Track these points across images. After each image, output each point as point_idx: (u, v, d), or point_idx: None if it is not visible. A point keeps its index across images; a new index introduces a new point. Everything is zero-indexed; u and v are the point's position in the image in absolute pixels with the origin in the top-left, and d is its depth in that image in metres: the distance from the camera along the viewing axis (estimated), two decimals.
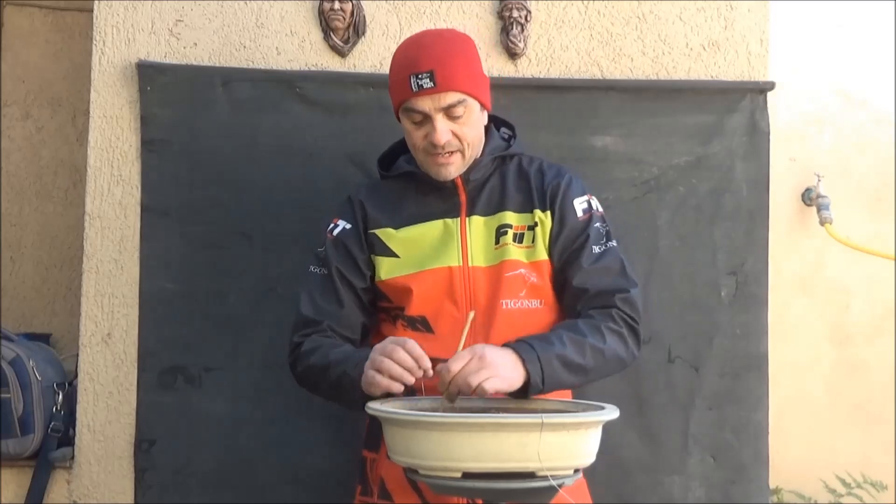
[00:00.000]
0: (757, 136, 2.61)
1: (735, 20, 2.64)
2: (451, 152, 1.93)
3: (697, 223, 2.59)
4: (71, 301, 3.03)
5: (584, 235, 1.99)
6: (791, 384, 2.98)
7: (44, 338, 2.88)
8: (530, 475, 1.61)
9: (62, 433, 2.56)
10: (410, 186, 2.04)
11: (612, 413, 1.69)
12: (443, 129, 1.90)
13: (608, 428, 1.72)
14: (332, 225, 2.06)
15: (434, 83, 1.88)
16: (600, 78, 2.61)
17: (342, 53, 2.58)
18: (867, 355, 3.08)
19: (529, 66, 2.61)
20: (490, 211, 2.00)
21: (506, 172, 2.04)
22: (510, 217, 1.99)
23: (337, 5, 2.53)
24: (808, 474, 2.94)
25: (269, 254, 2.51)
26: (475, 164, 1.99)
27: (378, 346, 1.81)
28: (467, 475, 1.61)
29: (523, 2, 2.57)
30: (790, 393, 2.97)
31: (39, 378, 2.55)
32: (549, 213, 2.00)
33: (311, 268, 2.06)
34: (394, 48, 2.55)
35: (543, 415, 1.60)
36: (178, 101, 2.53)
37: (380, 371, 1.77)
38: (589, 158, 2.55)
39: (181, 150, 2.53)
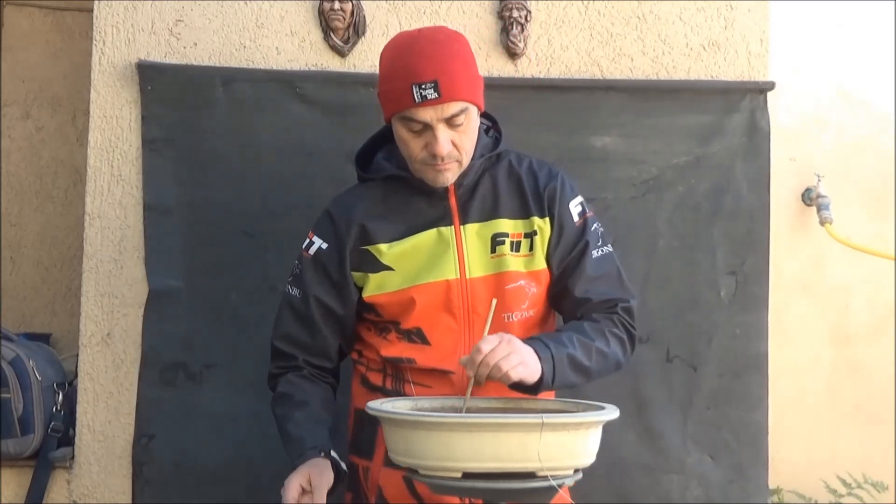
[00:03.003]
0: (757, 136, 2.61)
1: (735, 20, 2.64)
2: (450, 161, 1.87)
3: (697, 223, 2.59)
4: (71, 301, 3.03)
5: (584, 242, 1.96)
6: (791, 384, 2.97)
7: (44, 338, 2.88)
8: (530, 475, 1.60)
9: (62, 433, 2.55)
10: (396, 188, 1.96)
11: (612, 413, 1.69)
12: (444, 140, 1.82)
13: (608, 428, 1.72)
14: (307, 241, 1.98)
15: (438, 94, 1.79)
16: (600, 78, 2.61)
17: (342, 53, 2.58)
18: (867, 355, 3.08)
19: (529, 66, 2.61)
20: (483, 217, 1.93)
21: (496, 174, 1.97)
22: (505, 225, 1.93)
23: (337, 5, 2.53)
24: (809, 474, 2.94)
25: (270, 252, 2.52)
26: (467, 168, 1.92)
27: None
28: (467, 475, 1.61)
29: (523, 2, 2.57)
30: (790, 393, 2.97)
31: (39, 378, 2.55)
32: (547, 219, 1.95)
33: (288, 287, 1.99)
34: None
35: (544, 415, 1.60)
36: (178, 101, 2.53)
37: None
38: (589, 158, 2.55)
39: (182, 149, 2.53)
